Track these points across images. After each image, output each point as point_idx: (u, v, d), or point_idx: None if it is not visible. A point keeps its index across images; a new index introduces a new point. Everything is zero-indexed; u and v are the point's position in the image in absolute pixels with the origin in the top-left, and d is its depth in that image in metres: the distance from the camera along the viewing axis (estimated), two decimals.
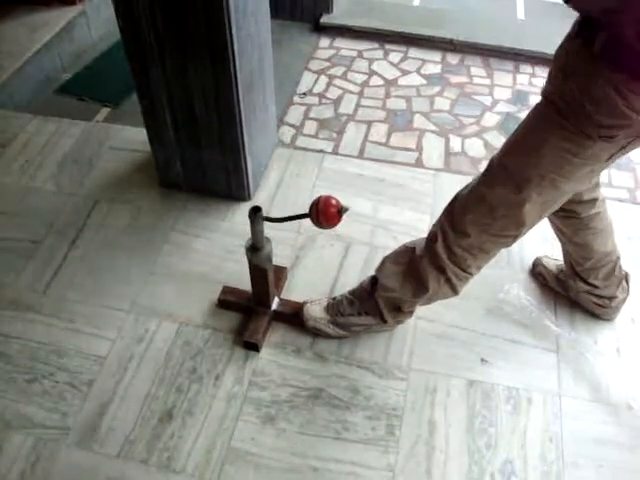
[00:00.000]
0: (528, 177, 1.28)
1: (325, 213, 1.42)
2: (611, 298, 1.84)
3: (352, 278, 1.96)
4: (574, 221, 1.67)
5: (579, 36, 1.12)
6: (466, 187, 1.46)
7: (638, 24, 0.99)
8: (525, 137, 1.31)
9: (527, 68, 3.06)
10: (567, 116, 1.18)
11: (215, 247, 2.10)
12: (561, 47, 1.20)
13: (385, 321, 1.77)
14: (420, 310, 1.85)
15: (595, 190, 1.61)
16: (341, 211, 1.43)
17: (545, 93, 1.24)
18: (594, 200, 1.62)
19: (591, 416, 1.71)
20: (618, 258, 1.79)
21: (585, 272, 1.78)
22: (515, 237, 1.42)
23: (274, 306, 1.86)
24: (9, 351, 1.81)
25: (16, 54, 2.87)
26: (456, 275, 1.52)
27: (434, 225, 1.55)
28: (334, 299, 1.85)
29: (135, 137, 2.49)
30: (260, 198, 2.27)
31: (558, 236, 1.80)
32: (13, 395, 1.72)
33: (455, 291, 1.57)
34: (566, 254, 1.83)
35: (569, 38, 1.17)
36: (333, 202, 1.43)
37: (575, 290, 1.88)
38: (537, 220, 1.40)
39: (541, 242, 2.12)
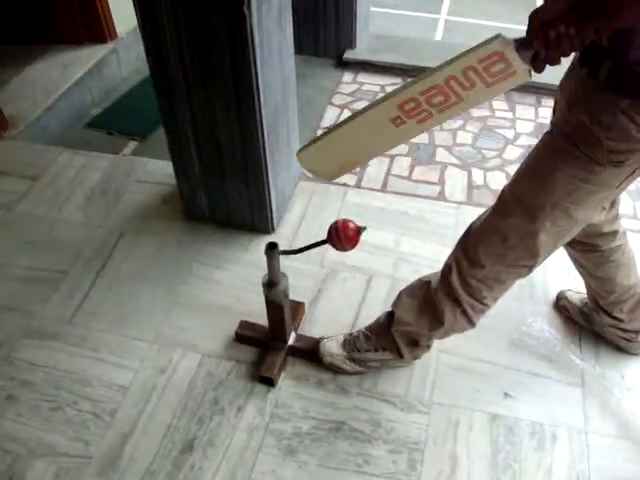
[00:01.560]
0: (540, 206, 1.28)
1: (345, 234, 1.45)
2: (637, 332, 1.81)
3: (374, 311, 1.95)
4: (595, 255, 1.65)
5: (584, 65, 1.13)
6: (479, 219, 1.47)
7: None
8: (535, 166, 1.31)
9: (549, 101, 3.07)
10: (577, 143, 1.18)
11: (237, 279, 2.12)
12: (566, 77, 1.21)
13: (402, 356, 1.76)
14: (442, 343, 1.84)
15: (615, 222, 1.60)
16: (360, 231, 1.45)
17: (554, 122, 1.25)
18: (615, 232, 1.61)
19: (619, 454, 1.67)
20: None
21: (609, 306, 1.76)
22: (530, 267, 1.41)
23: (290, 341, 1.86)
24: (35, 379, 1.84)
25: (49, 90, 2.97)
26: (472, 307, 1.51)
27: (448, 257, 1.55)
28: (350, 335, 1.84)
29: (161, 170, 2.55)
30: (283, 231, 2.29)
31: (579, 270, 1.78)
32: (37, 423, 1.74)
33: (471, 323, 1.55)
34: (589, 288, 1.81)
35: (573, 68, 1.18)
36: (350, 224, 1.46)
37: (600, 324, 1.85)
38: (552, 250, 1.39)
39: (565, 275, 2.10)
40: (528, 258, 1.39)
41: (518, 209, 1.33)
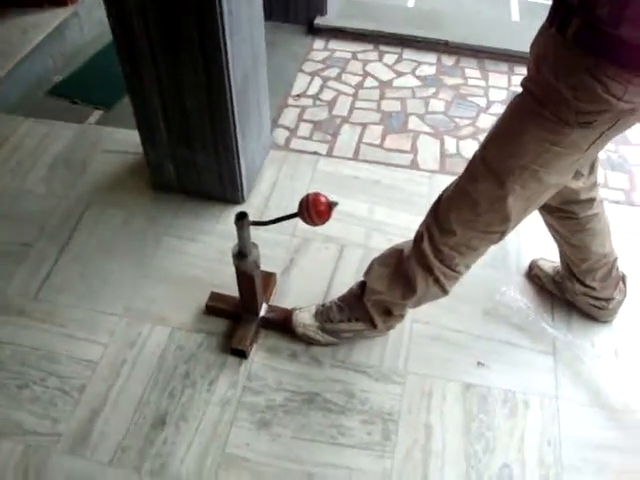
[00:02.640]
0: (509, 169, 1.27)
1: (316, 209, 1.40)
2: (608, 300, 1.83)
3: (347, 281, 1.93)
4: (571, 222, 1.65)
5: (552, 24, 1.11)
6: (450, 185, 1.45)
7: (610, 5, 0.98)
8: (504, 129, 1.29)
9: (522, 69, 3.03)
10: (545, 104, 1.16)
11: (208, 250, 2.08)
12: (536, 38, 1.19)
13: (375, 326, 1.75)
14: (416, 313, 1.84)
15: (593, 190, 1.60)
16: (331, 206, 1.42)
17: (523, 83, 1.23)
18: (592, 200, 1.61)
19: (589, 419, 1.70)
20: (615, 260, 1.77)
21: (582, 274, 1.77)
22: (502, 233, 1.40)
23: (262, 312, 1.84)
24: (0, 356, 1.79)
25: (7, 56, 2.84)
26: (444, 274, 1.50)
27: (420, 225, 1.54)
28: (323, 305, 1.82)
29: (127, 140, 2.47)
30: (254, 201, 2.25)
31: (555, 237, 1.78)
32: (3, 401, 1.69)
33: (444, 291, 1.55)
34: (563, 255, 1.81)
35: (543, 29, 1.16)
36: (322, 198, 1.41)
37: (572, 292, 1.86)
38: (523, 215, 1.38)
39: (537, 244, 2.11)
40: (499, 223, 1.37)
41: (487, 173, 1.31)
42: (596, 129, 1.16)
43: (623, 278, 1.84)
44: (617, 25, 0.99)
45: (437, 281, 1.51)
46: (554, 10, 1.11)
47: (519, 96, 1.25)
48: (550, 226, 1.75)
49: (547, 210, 1.66)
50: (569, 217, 1.64)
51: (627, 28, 0.98)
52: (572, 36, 1.06)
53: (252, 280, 1.67)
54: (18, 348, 1.81)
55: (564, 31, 1.07)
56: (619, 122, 1.15)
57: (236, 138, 1.97)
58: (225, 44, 1.70)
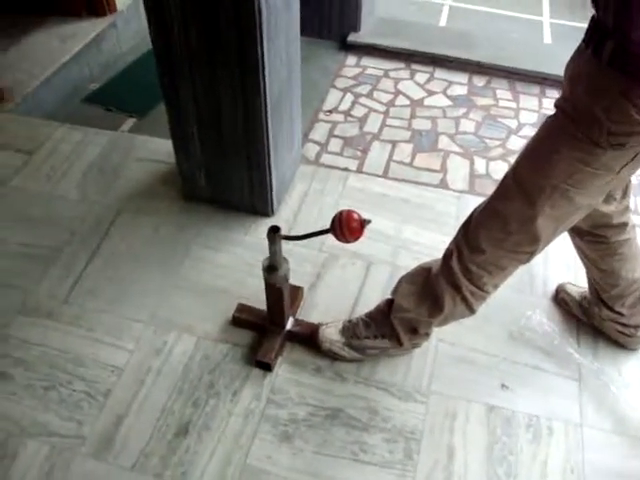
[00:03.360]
0: (540, 188, 1.26)
1: (348, 226, 1.40)
2: (637, 327, 1.80)
3: (373, 298, 1.94)
4: (602, 246, 1.63)
5: (588, 46, 1.11)
6: (481, 204, 1.45)
7: None
8: (536, 148, 1.29)
9: (553, 92, 3.05)
10: (578, 124, 1.16)
11: (236, 261, 2.09)
12: (571, 59, 1.19)
13: (401, 344, 1.75)
14: (441, 333, 1.83)
15: (625, 214, 1.58)
16: (364, 224, 1.42)
17: (557, 103, 1.23)
18: (624, 225, 1.59)
19: (614, 449, 1.67)
20: None
21: (611, 299, 1.75)
22: (531, 254, 1.40)
23: (289, 326, 1.84)
24: (28, 357, 1.81)
25: (46, 63, 2.92)
26: (472, 293, 1.50)
27: (450, 243, 1.54)
28: (350, 321, 1.82)
29: (160, 149, 2.51)
30: (283, 214, 2.26)
31: (584, 262, 1.76)
32: (30, 402, 1.72)
33: (471, 310, 1.54)
34: (591, 280, 1.79)
35: (579, 50, 1.16)
36: (355, 216, 1.41)
37: (599, 318, 1.84)
38: (552, 236, 1.37)
39: (564, 269, 2.09)
40: (528, 244, 1.37)
41: (518, 192, 1.31)
42: (629, 151, 1.15)
43: None
44: None
45: (464, 300, 1.51)
46: (590, 32, 1.11)
47: (552, 116, 1.25)
48: (580, 250, 1.73)
49: (577, 233, 1.65)
50: (600, 241, 1.62)
51: None
52: (607, 58, 1.06)
53: (281, 293, 1.68)
54: (46, 350, 1.83)
55: (599, 53, 1.07)
56: None
57: (269, 151, 1.99)
58: (262, 55, 1.72)
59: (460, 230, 1.50)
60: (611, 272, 1.69)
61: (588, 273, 1.79)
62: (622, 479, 1.61)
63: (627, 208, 1.58)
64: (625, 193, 1.53)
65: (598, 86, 1.11)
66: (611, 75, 1.07)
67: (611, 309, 1.77)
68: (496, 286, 1.52)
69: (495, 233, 1.39)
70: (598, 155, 1.17)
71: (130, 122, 2.83)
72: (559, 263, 2.11)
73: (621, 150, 1.15)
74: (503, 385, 1.79)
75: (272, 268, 1.60)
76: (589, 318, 1.90)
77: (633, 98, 1.05)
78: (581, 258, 1.77)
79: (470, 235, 1.44)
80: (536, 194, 1.27)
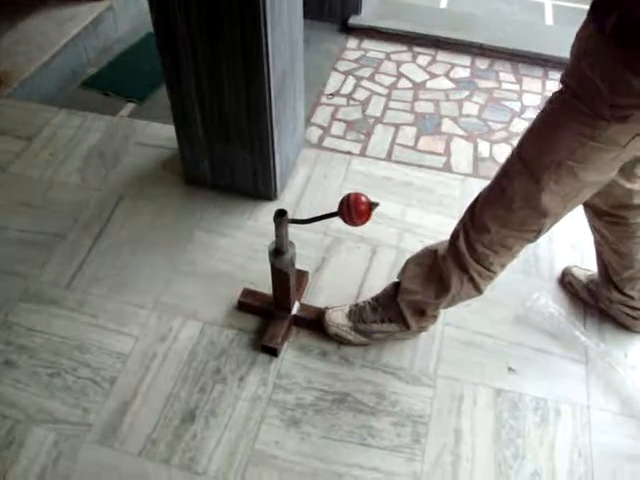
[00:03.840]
0: (545, 164, 1.25)
1: (356, 209, 1.39)
2: None
3: (379, 281, 1.93)
4: (620, 227, 1.61)
5: (592, 20, 1.10)
6: (488, 184, 1.45)
7: None
8: (541, 124, 1.28)
9: (556, 74, 3.02)
10: (581, 97, 1.15)
11: (240, 246, 2.08)
12: (576, 36, 1.17)
13: (408, 327, 1.74)
14: (447, 316, 1.83)
15: None
16: (372, 206, 1.41)
17: (561, 79, 1.22)
18: None
19: (621, 430, 1.67)
20: None
21: (622, 282, 1.74)
22: (538, 232, 1.39)
23: (294, 311, 1.83)
24: (32, 345, 1.80)
25: (44, 47, 2.88)
26: (479, 273, 1.49)
27: (457, 224, 1.53)
28: (356, 305, 1.82)
29: (160, 133, 2.48)
30: (286, 198, 2.25)
31: (599, 242, 1.73)
32: (36, 389, 1.71)
33: (479, 290, 1.54)
34: (604, 262, 1.77)
35: (584, 24, 1.15)
36: (363, 198, 1.40)
37: (607, 300, 1.84)
38: (560, 213, 1.36)
39: (570, 250, 2.09)
40: (534, 221, 1.36)
41: (523, 168, 1.30)
42: (633, 124, 1.13)
43: None
44: None
45: (472, 280, 1.51)
46: (594, 6, 1.10)
47: (557, 92, 1.24)
48: (597, 231, 1.70)
49: (596, 213, 1.63)
50: (618, 222, 1.60)
51: None
52: (610, 30, 1.05)
53: (287, 278, 1.67)
54: (50, 337, 1.82)
55: (603, 25, 1.06)
56: None
57: (272, 134, 1.97)
58: (266, 37, 1.70)
59: (467, 211, 1.49)
60: (626, 254, 1.67)
61: (602, 254, 1.76)
62: (629, 460, 1.61)
63: None
64: None
65: (601, 59, 1.09)
66: (614, 47, 1.06)
67: (621, 292, 1.76)
68: (503, 266, 1.51)
69: (500, 211, 1.38)
70: (602, 129, 1.15)
71: (129, 107, 2.80)
72: (565, 245, 2.10)
73: (625, 123, 1.13)
74: (510, 368, 1.79)
75: (278, 252, 1.59)
76: (596, 301, 1.90)
77: (635, 68, 1.04)
78: (597, 239, 1.74)
79: (476, 215, 1.44)
80: (541, 170, 1.26)
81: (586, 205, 1.64)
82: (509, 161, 1.37)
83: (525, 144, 1.32)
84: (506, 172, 1.37)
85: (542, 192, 1.28)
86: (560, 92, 1.22)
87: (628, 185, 1.47)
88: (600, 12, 1.07)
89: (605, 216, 1.60)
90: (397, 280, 1.73)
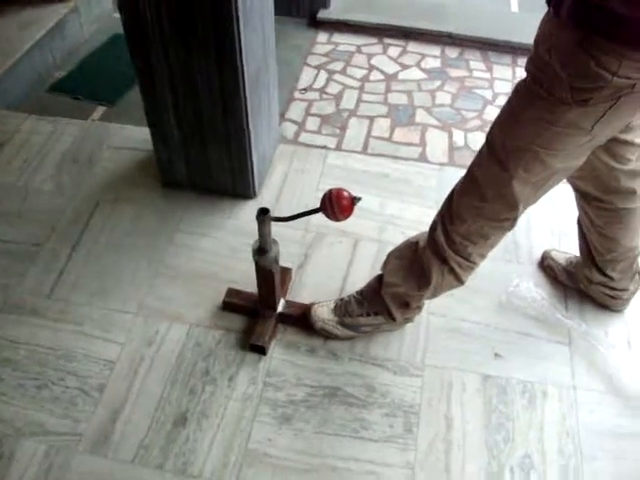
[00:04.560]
0: (511, 151, 1.27)
1: (339, 204, 1.41)
2: (623, 290, 1.84)
3: (362, 275, 1.94)
4: (608, 212, 1.62)
5: (548, 4, 1.11)
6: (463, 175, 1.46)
7: None
8: (506, 111, 1.30)
9: (525, 61, 3.04)
10: (541, 82, 1.16)
11: (222, 246, 2.07)
12: (540, 23, 1.19)
13: (394, 319, 1.75)
14: (431, 306, 1.84)
15: (633, 180, 1.54)
16: (354, 201, 1.42)
17: (525, 67, 1.23)
18: (632, 192, 1.56)
19: (606, 408, 1.71)
20: (639, 253, 1.77)
21: (604, 263, 1.76)
22: (513, 220, 1.41)
23: (280, 308, 1.83)
24: (16, 357, 1.77)
25: (7, 52, 2.81)
26: (459, 264, 1.51)
27: (435, 216, 1.54)
28: (342, 300, 1.82)
29: (134, 136, 2.45)
30: (265, 196, 2.24)
31: (586, 226, 1.74)
32: (22, 402, 1.68)
33: (460, 281, 1.56)
34: (588, 243, 1.78)
35: (545, 13, 1.16)
36: (345, 194, 1.42)
37: (587, 281, 1.87)
38: (532, 200, 1.38)
39: (548, 235, 2.12)
40: (507, 210, 1.38)
41: (491, 157, 1.32)
42: (595, 107, 1.14)
43: (639, 271, 1.85)
44: None
45: (452, 271, 1.52)
46: None
47: (522, 80, 1.25)
48: (585, 214, 1.71)
49: (584, 198, 1.65)
50: (607, 208, 1.61)
51: (617, 1, 0.98)
52: (566, 12, 1.06)
53: (272, 276, 1.67)
54: (34, 348, 1.79)
55: (559, 8, 1.07)
56: (621, 100, 1.12)
57: (249, 132, 1.96)
58: (239, 35, 1.69)
59: (444, 202, 1.51)
60: (612, 238, 1.69)
61: (586, 236, 1.78)
62: (616, 438, 1.65)
63: (635, 173, 1.54)
64: (634, 155, 1.49)
65: (558, 41, 1.10)
66: (569, 28, 1.07)
67: (602, 272, 1.79)
68: (482, 256, 1.52)
69: (474, 201, 1.40)
70: (563, 113, 1.16)
71: (100, 110, 2.76)
72: (543, 230, 2.13)
73: (587, 107, 1.14)
74: (496, 354, 1.81)
75: (262, 251, 1.59)
76: (575, 283, 1.93)
77: (592, 50, 1.05)
78: (584, 222, 1.75)
79: (453, 205, 1.45)
80: (508, 157, 1.28)
81: (576, 190, 1.67)
82: (480, 150, 1.38)
83: (492, 132, 1.33)
84: (477, 161, 1.39)
85: (512, 180, 1.30)
86: (524, 80, 1.23)
87: (616, 165, 1.48)
88: None
89: (594, 201, 1.62)
90: (381, 273, 1.74)
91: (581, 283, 1.90)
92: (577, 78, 1.10)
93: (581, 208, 1.73)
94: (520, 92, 1.25)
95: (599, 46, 1.04)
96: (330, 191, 1.42)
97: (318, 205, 1.44)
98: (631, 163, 1.49)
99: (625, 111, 1.18)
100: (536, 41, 1.17)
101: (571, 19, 1.06)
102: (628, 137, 1.40)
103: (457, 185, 1.47)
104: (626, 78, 1.06)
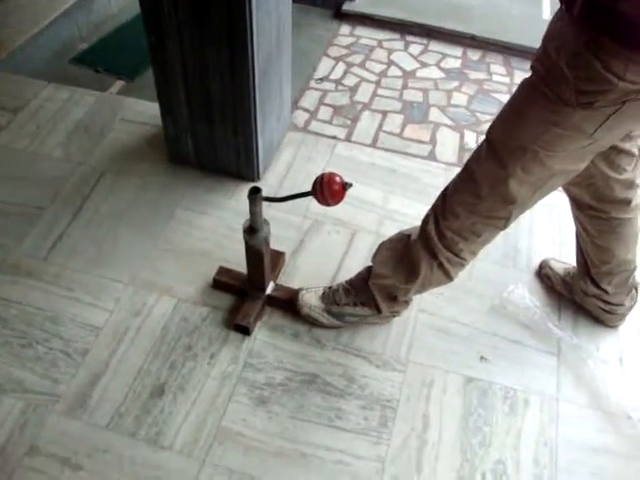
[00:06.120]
0: (511, 149, 1.25)
1: (330, 189, 1.40)
2: (618, 305, 1.81)
3: (355, 266, 1.92)
4: (602, 222, 1.61)
5: (561, 2, 1.10)
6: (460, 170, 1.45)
7: None
8: (509, 109, 1.28)
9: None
10: (547, 82, 1.14)
11: (220, 225, 2.08)
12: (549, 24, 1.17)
13: (380, 311, 1.74)
14: (422, 303, 1.83)
15: (630, 190, 1.53)
16: (345, 186, 1.41)
17: (531, 64, 1.21)
18: (627, 202, 1.55)
19: (588, 423, 1.68)
20: (635, 268, 1.74)
21: (599, 275, 1.74)
22: (506, 220, 1.38)
23: (269, 290, 1.83)
24: (6, 315, 1.80)
25: (35, 20, 2.86)
26: (448, 260, 1.49)
27: (429, 209, 1.53)
28: (330, 288, 1.82)
29: (148, 111, 2.47)
30: (269, 179, 2.24)
31: (580, 235, 1.73)
32: (6, 358, 1.71)
33: (449, 277, 1.54)
34: (583, 254, 1.76)
35: (557, 10, 1.14)
36: (337, 178, 1.41)
37: (582, 293, 1.84)
38: (529, 202, 1.35)
39: (549, 243, 2.09)
40: (502, 208, 1.36)
41: (490, 153, 1.30)
42: (599, 111, 1.12)
43: (636, 286, 1.81)
44: (617, 0, 0.97)
45: (441, 266, 1.51)
46: None
47: (527, 77, 1.23)
48: (580, 223, 1.70)
49: (579, 206, 1.63)
50: (600, 217, 1.60)
51: (626, 4, 0.97)
52: (578, 12, 1.04)
53: (261, 256, 1.67)
54: (24, 308, 1.82)
55: (571, 8, 1.06)
56: (626, 105, 1.09)
57: (255, 115, 1.96)
58: (251, 18, 1.69)
59: (439, 196, 1.49)
60: (606, 249, 1.67)
61: (581, 247, 1.76)
62: (594, 454, 1.62)
63: (633, 183, 1.53)
64: (636, 165, 1.49)
65: (566, 41, 1.08)
66: (579, 28, 1.05)
67: (597, 285, 1.76)
68: (473, 253, 1.51)
69: (468, 197, 1.38)
70: (567, 115, 1.14)
71: (119, 85, 2.79)
72: (544, 238, 2.11)
73: (591, 110, 1.11)
74: (482, 357, 1.79)
75: (252, 230, 1.59)
76: (571, 294, 1.90)
77: (599, 52, 1.03)
78: (579, 231, 1.74)
79: (447, 200, 1.44)
80: (507, 155, 1.26)
81: (570, 197, 1.64)
82: (479, 146, 1.37)
83: (493, 128, 1.32)
84: (475, 156, 1.37)
85: (509, 178, 1.28)
86: (529, 77, 1.22)
87: (611, 173, 1.46)
88: None
89: (588, 209, 1.60)
90: (371, 264, 1.73)
91: (577, 295, 1.88)
92: (583, 81, 1.08)
93: (576, 218, 1.71)
94: (524, 90, 1.23)
95: (606, 48, 1.02)
96: (322, 175, 1.42)
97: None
98: (627, 173, 1.47)
99: (629, 117, 1.15)
100: (545, 38, 1.15)
101: (583, 20, 1.04)
102: (627, 146, 1.38)
103: (453, 179, 1.45)
104: (632, 83, 1.05)
